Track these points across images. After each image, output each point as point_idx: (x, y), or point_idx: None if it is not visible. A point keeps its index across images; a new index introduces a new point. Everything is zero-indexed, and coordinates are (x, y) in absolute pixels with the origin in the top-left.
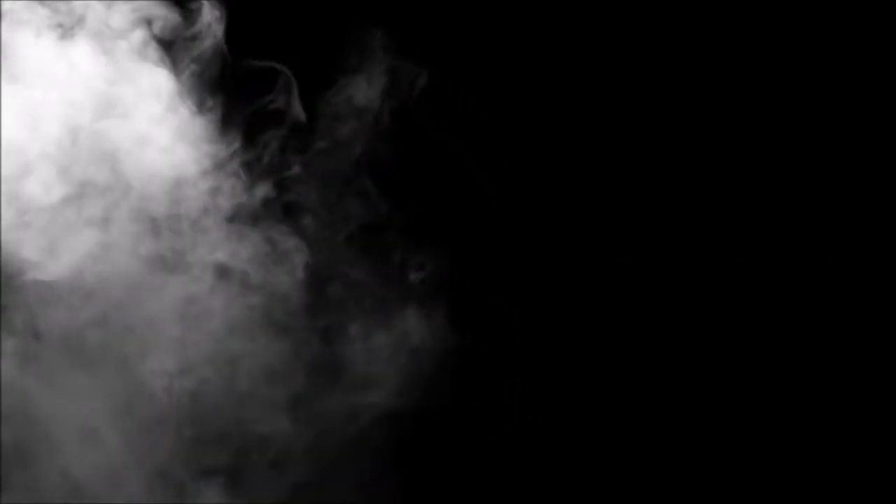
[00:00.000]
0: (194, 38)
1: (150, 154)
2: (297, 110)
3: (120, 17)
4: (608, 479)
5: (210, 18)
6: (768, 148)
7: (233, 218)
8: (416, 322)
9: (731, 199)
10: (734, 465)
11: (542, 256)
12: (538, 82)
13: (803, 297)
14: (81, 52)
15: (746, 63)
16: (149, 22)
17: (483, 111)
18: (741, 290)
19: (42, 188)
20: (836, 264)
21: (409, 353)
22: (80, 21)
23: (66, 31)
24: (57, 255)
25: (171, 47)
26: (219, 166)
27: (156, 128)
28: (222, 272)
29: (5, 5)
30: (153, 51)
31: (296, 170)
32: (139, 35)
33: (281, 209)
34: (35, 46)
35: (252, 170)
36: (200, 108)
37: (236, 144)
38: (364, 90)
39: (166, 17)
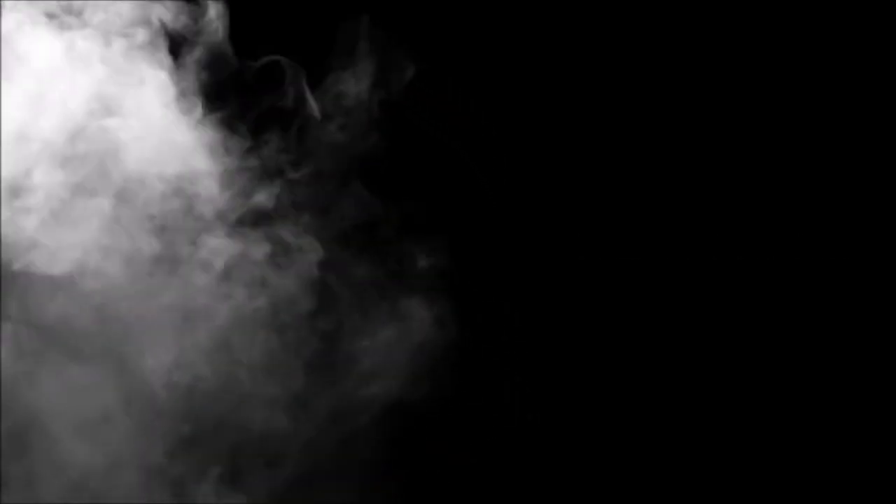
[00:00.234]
0: (198, 34)
1: (153, 151)
2: (311, 105)
3: (123, 14)
4: (608, 479)
5: (213, 15)
6: (768, 148)
7: (235, 215)
8: (416, 321)
9: (731, 199)
10: (734, 465)
11: (541, 256)
12: (538, 82)
13: (803, 297)
14: (84, 48)
15: (746, 63)
16: (151, 19)
17: (484, 111)
18: (741, 290)
19: (44, 184)
20: (836, 264)
21: (407, 354)
22: (84, 18)
23: (69, 27)
24: (57, 250)
25: (174, 44)
26: (223, 162)
27: (159, 125)
28: (223, 269)
29: (6, 4)
30: (156, 48)
31: (297, 165)
32: (142, 33)
33: (282, 206)
34: (37, 43)
35: (254, 166)
36: (204, 105)
37: (241, 141)
38: (362, 87)
39: (168, 14)
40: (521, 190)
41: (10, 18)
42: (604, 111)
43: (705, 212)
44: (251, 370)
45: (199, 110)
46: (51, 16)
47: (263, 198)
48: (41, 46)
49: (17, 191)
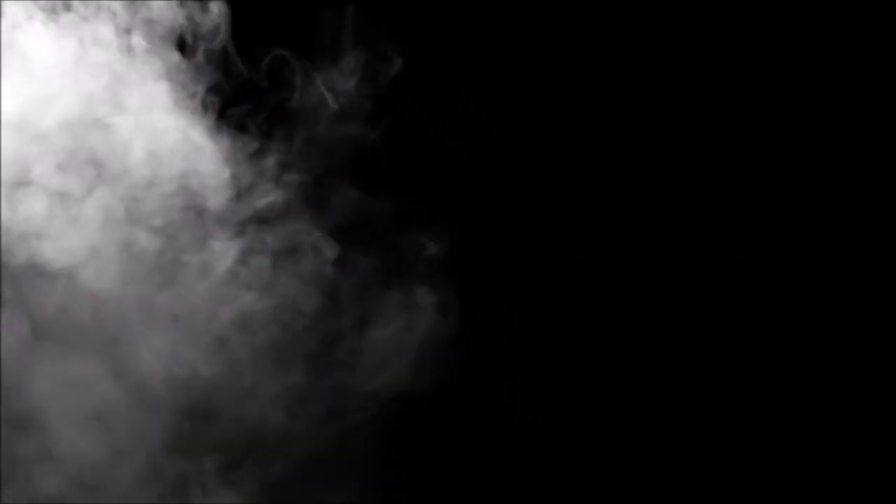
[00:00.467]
0: (201, 32)
1: (156, 146)
2: (326, 98)
3: (126, 12)
4: (608, 479)
5: (216, 13)
6: (768, 148)
7: (238, 210)
8: (415, 321)
9: (731, 199)
10: (734, 465)
11: (541, 256)
12: (538, 82)
13: (803, 297)
14: (86, 45)
15: (746, 63)
16: (154, 18)
17: (484, 111)
18: (741, 290)
19: (46, 181)
20: (836, 264)
21: (406, 353)
22: (87, 16)
23: (72, 25)
24: (58, 245)
25: (177, 42)
26: (226, 158)
27: (162, 121)
28: (224, 265)
29: (6, 4)
30: (159, 46)
31: (298, 160)
32: (145, 31)
33: (284, 201)
34: (40, 39)
35: (257, 161)
36: (208, 102)
37: (245, 137)
38: (363, 82)
39: (170, 12)
40: (521, 190)
41: (13, 16)
42: (604, 111)
43: (705, 212)
44: (250, 367)
45: (202, 107)
46: (53, 13)
47: (266, 193)
48: (44, 43)
49: (19, 186)
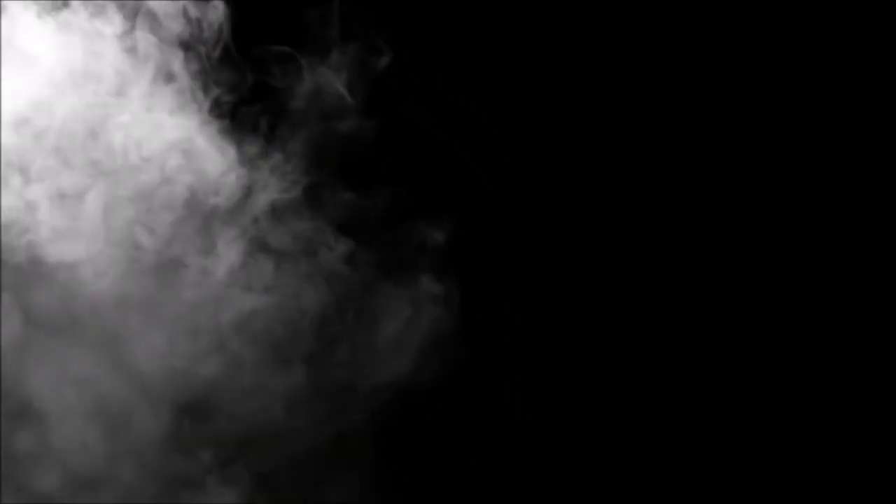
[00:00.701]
0: (204, 30)
1: (158, 145)
2: (327, 95)
3: (128, 12)
4: (608, 479)
5: (218, 11)
6: (768, 148)
7: (241, 205)
8: (415, 321)
9: (731, 199)
10: (734, 465)
11: (543, 256)
12: (539, 82)
13: (803, 297)
14: (90, 40)
15: (746, 63)
16: (155, 16)
17: (485, 111)
18: (741, 290)
19: (48, 177)
20: (836, 264)
21: (406, 353)
22: (90, 15)
23: (75, 24)
24: (60, 240)
25: (178, 40)
26: (230, 153)
27: (164, 119)
28: (225, 260)
29: (6, 4)
30: (160, 44)
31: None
32: (147, 29)
33: (287, 197)
34: (43, 36)
35: (259, 155)
36: (213, 99)
37: (249, 133)
38: (361, 80)
39: (172, 11)
40: (522, 190)
41: (15, 15)
42: (604, 111)
43: (705, 212)
44: (250, 365)
45: (203, 106)
46: (54, 12)
47: (268, 190)
48: (46, 41)
49: (22, 184)
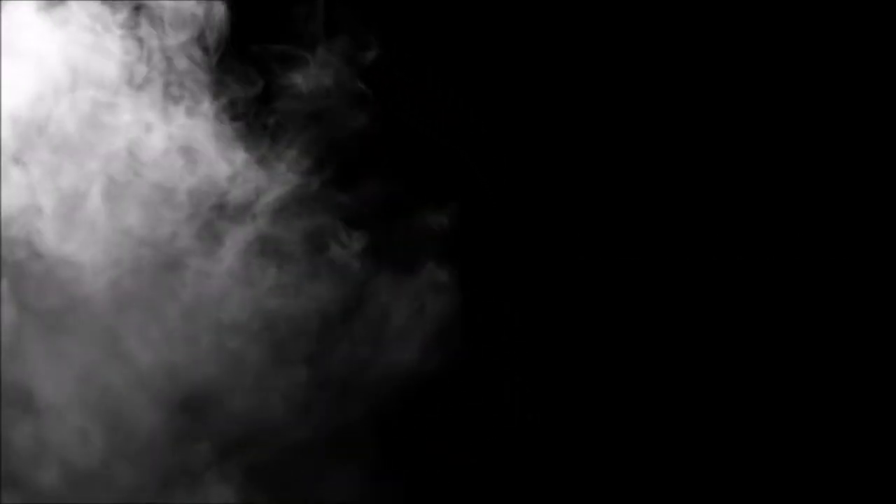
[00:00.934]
0: (206, 28)
1: (161, 139)
2: (358, 85)
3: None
4: (608, 478)
5: (216, 10)
6: (768, 148)
7: (245, 200)
8: (414, 321)
9: (731, 199)
10: (734, 465)
11: (542, 256)
12: (538, 82)
13: (803, 297)
14: (91, 36)
15: (746, 63)
16: (158, 16)
17: (484, 111)
18: (741, 290)
19: (50, 173)
20: (836, 264)
21: (406, 354)
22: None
23: (79, 21)
24: (62, 236)
25: (181, 38)
26: (234, 148)
27: (168, 116)
28: (225, 254)
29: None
30: (163, 43)
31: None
32: (149, 28)
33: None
34: (46, 31)
35: (263, 150)
36: (216, 95)
37: (253, 128)
38: (355, 76)
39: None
40: (521, 190)
41: (18, 13)
42: (604, 111)
43: (705, 212)
44: (250, 362)
45: (207, 103)
46: (56, 11)
47: (269, 185)
48: (48, 38)
49: (23, 179)
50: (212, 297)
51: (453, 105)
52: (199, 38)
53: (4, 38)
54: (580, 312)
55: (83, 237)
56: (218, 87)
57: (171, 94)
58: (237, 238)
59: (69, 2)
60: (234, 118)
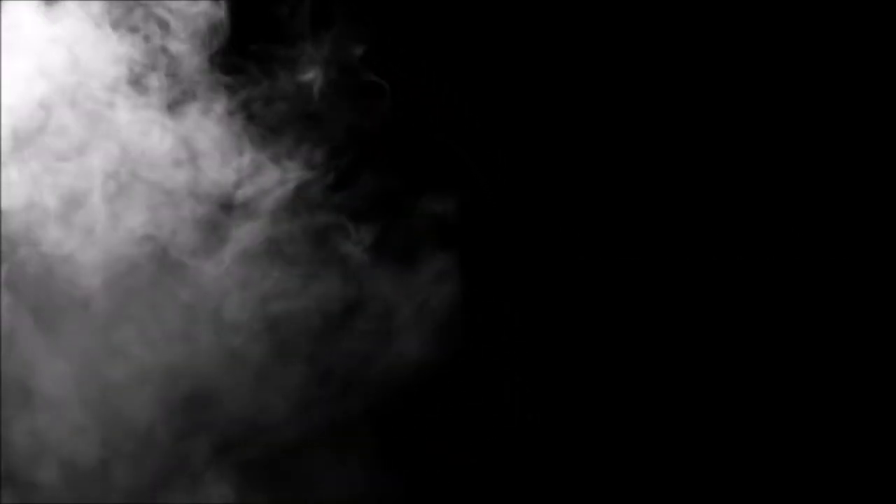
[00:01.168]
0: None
1: (162, 138)
2: (374, 78)
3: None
4: (608, 478)
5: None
6: (768, 148)
7: (248, 195)
8: (414, 321)
9: (731, 199)
10: (734, 465)
11: (541, 256)
12: (538, 81)
13: (803, 297)
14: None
15: (746, 63)
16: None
17: (483, 110)
18: (741, 290)
19: (52, 168)
20: (836, 264)
21: (406, 355)
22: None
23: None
24: (64, 231)
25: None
26: (236, 145)
27: (171, 113)
28: (226, 248)
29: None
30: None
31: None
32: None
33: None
34: (49, 26)
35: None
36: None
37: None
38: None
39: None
40: (521, 190)
41: (19, 11)
42: (604, 111)
43: (705, 212)
44: (250, 359)
45: (212, 100)
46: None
47: (269, 183)
48: (49, 37)
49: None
50: (212, 296)
51: (452, 103)
52: (201, 37)
53: (4, 38)
54: (580, 312)
55: (83, 235)
56: (219, 86)
57: (173, 93)
58: (237, 236)
59: (70, 1)
60: (236, 117)
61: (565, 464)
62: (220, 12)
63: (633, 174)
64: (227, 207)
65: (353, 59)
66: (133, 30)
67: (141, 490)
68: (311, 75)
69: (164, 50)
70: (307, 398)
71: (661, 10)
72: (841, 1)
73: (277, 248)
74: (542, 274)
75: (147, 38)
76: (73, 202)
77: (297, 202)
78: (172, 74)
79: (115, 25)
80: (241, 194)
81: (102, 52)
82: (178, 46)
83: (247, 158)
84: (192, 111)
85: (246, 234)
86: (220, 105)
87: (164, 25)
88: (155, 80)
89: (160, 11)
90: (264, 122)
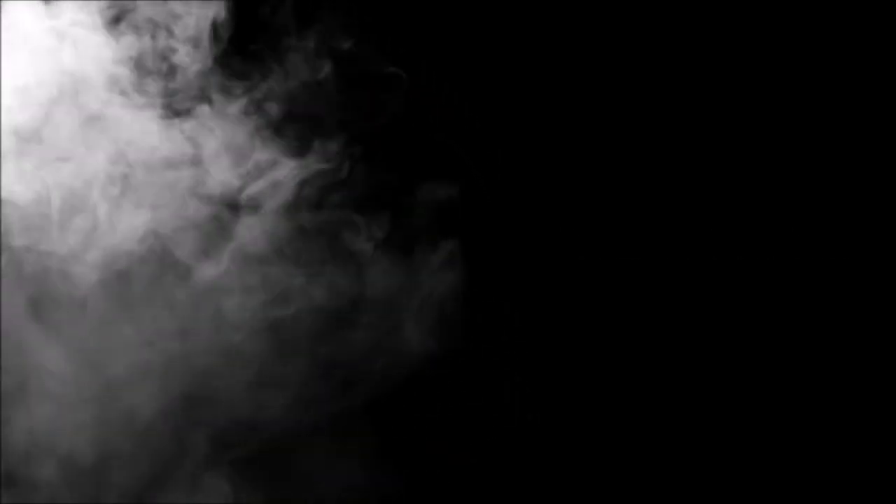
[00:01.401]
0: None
1: (163, 136)
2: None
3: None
4: (608, 478)
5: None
6: (768, 148)
7: (250, 191)
8: (414, 322)
9: (731, 199)
10: (734, 465)
11: (541, 256)
12: (537, 81)
13: (803, 297)
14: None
15: (746, 63)
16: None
17: (482, 110)
18: (741, 290)
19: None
20: (836, 264)
21: (406, 355)
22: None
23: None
24: (65, 228)
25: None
26: (237, 142)
27: (174, 112)
28: (225, 244)
29: (6, 4)
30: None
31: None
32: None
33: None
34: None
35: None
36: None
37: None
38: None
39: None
40: (520, 190)
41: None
42: (603, 111)
43: (705, 212)
44: (249, 357)
45: (214, 99)
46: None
47: (269, 181)
48: (51, 33)
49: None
50: (211, 294)
51: (451, 103)
52: (202, 36)
53: (4, 38)
54: (580, 312)
55: (83, 233)
56: (221, 85)
57: (174, 92)
58: (237, 234)
59: (70, 1)
60: (238, 115)
61: (565, 464)
62: (221, 11)
63: (633, 174)
64: (226, 204)
65: (352, 57)
66: (133, 29)
67: (139, 488)
68: (311, 75)
69: (164, 49)
70: (306, 396)
71: (660, 10)
72: (841, 1)
73: (277, 246)
74: (542, 274)
75: (147, 38)
76: (73, 201)
77: (297, 199)
78: (173, 73)
79: (115, 25)
80: (241, 191)
81: (102, 51)
82: (178, 46)
83: (247, 155)
84: (194, 110)
85: (245, 230)
86: (221, 104)
87: (165, 25)
88: (156, 80)
89: (161, 11)
90: (265, 120)
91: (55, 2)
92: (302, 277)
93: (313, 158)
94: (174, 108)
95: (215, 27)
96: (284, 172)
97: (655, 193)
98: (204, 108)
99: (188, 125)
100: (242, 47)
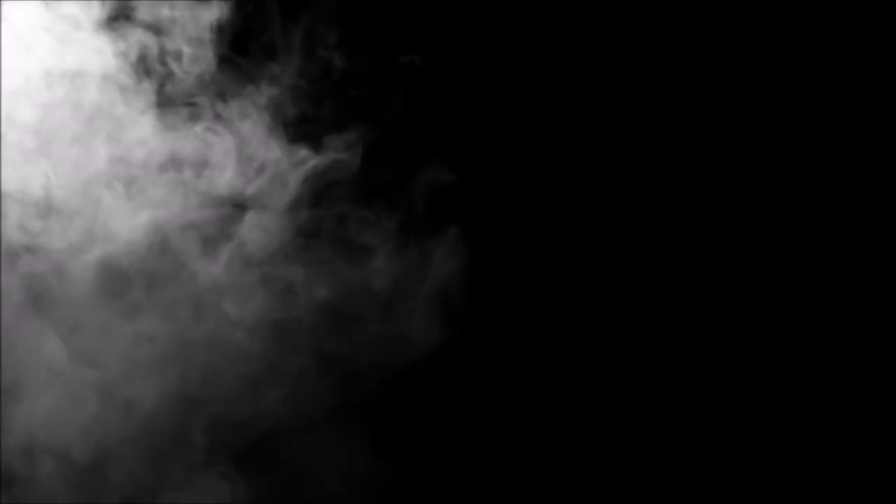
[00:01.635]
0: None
1: (165, 137)
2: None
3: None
4: (608, 478)
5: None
6: (768, 148)
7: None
8: (414, 322)
9: (731, 199)
10: (734, 465)
11: (541, 256)
12: (537, 81)
13: (803, 297)
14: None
15: (746, 63)
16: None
17: (482, 110)
18: (741, 290)
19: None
20: (836, 264)
21: (405, 355)
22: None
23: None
24: (66, 225)
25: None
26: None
27: (176, 112)
28: (225, 240)
29: (5, 5)
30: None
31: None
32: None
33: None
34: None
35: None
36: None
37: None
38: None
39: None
40: (521, 190)
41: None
42: (603, 110)
43: (705, 212)
44: (249, 356)
45: (216, 99)
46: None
47: (269, 179)
48: (51, 33)
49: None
50: (212, 290)
51: (451, 103)
52: (202, 35)
53: (5, 38)
54: (580, 312)
55: (83, 230)
56: (222, 84)
57: (175, 91)
58: (237, 231)
59: (71, 1)
60: (240, 114)
61: (565, 464)
62: (222, 10)
63: (633, 174)
64: (227, 202)
65: (353, 56)
66: (134, 29)
67: (138, 484)
68: (311, 75)
69: (165, 48)
70: (305, 392)
71: (660, 10)
72: (841, 1)
73: (278, 243)
74: (543, 274)
75: (148, 37)
76: (73, 199)
77: (298, 197)
78: (173, 72)
79: (116, 24)
80: (242, 189)
81: (103, 51)
82: (179, 45)
83: (248, 153)
84: (194, 110)
85: (246, 228)
86: (221, 104)
87: (166, 24)
88: (155, 79)
89: (161, 11)
90: (266, 119)
91: (55, 2)
92: (302, 275)
93: (315, 156)
94: (174, 108)
95: (217, 27)
96: (283, 169)
97: (655, 194)
98: (204, 108)
99: (188, 125)
100: (244, 47)
